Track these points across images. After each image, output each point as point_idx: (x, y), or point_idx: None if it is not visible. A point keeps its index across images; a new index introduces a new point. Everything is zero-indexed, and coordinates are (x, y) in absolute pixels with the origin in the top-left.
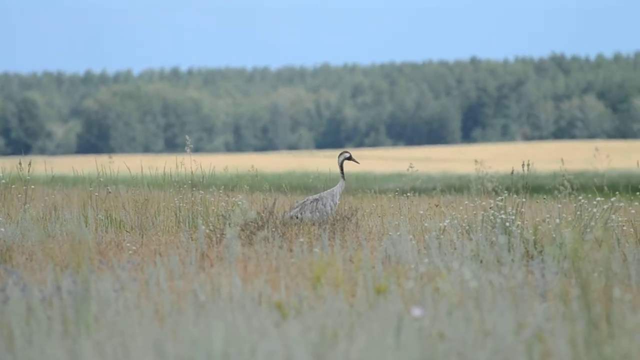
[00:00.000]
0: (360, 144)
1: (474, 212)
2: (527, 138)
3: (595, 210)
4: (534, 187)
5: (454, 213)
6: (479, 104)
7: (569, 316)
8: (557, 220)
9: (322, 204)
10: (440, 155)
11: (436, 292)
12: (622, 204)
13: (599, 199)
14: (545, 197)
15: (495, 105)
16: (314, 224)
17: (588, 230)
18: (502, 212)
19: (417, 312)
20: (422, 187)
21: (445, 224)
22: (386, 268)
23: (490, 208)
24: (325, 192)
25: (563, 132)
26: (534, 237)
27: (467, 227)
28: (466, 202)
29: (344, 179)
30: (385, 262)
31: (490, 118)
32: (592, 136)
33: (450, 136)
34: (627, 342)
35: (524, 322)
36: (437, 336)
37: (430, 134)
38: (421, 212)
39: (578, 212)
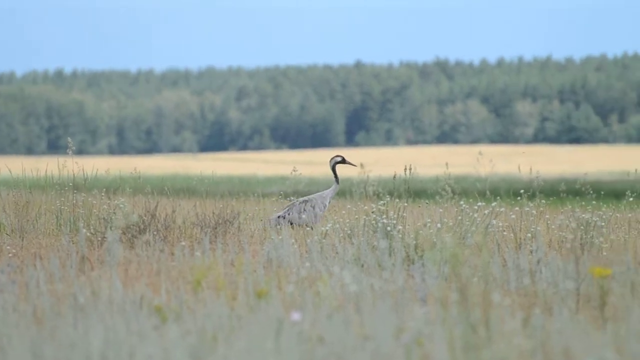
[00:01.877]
0: (244, 147)
1: (356, 216)
2: (411, 142)
3: (476, 215)
4: (416, 191)
5: (336, 217)
6: (363, 107)
7: (448, 320)
8: (439, 225)
9: (311, 206)
10: (324, 158)
11: (317, 296)
12: (502, 209)
13: (480, 203)
14: (427, 201)
15: (379, 109)
16: (301, 225)
17: (469, 235)
18: (384, 216)
19: (296, 316)
20: (305, 190)
21: (327, 228)
22: (267, 272)
23: (372, 212)
24: (317, 194)
25: (446, 136)
26: (415, 242)
27: (349, 232)
28: (348, 206)
29: (337, 183)
30: (267, 266)
31: (374, 122)
32: (475, 141)
33: (334, 140)
34: (505, 347)
35: (404, 326)
36: (316, 340)
37: (314, 137)
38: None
39: (459, 217)
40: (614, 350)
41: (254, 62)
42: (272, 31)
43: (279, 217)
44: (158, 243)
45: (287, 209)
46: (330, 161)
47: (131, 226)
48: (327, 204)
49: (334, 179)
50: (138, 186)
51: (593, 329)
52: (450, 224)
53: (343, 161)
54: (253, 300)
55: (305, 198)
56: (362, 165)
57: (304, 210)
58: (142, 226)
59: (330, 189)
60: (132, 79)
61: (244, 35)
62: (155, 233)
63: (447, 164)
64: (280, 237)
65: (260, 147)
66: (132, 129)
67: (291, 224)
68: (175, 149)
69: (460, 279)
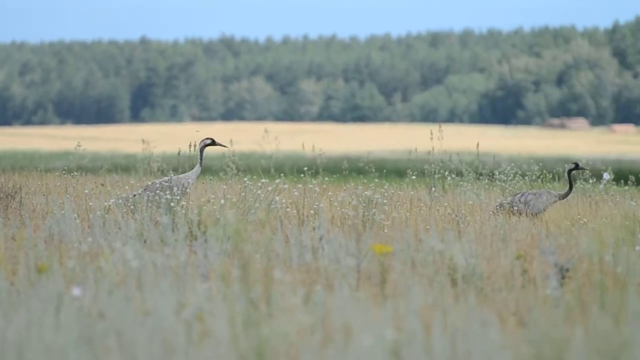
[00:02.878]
0: (27, 122)
1: (140, 191)
2: (196, 119)
3: (259, 191)
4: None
5: (119, 192)
6: (148, 84)
7: (229, 296)
8: (222, 201)
9: (169, 187)
10: (109, 134)
11: (98, 272)
12: (286, 186)
13: (264, 180)
14: (211, 177)
15: (164, 85)
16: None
17: (252, 211)
18: (167, 192)
19: (76, 291)
20: (89, 166)
21: (110, 203)
22: (49, 247)
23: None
24: (182, 175)
25: (232, 113)
26: (198, 218)
27: (132, 207)
28: (132, 182)
29: (201, 164)
30: (49, 241)
31: (160, 98)
32: (260, 118)
33: (119, 115)
34: (285, 323)
35: (185, 301)
36: (97, 315)
37: (99, 113)
38: (87, 191)
39: (243, 194)
40: (393, 327)
41: (38, 37)
42: (56, 5)
43: (134, 195)
44: None
45: (143, 189)
46: (199, 142)
47: None
48: (189, 185)
49: (198, 160)
50: None
51: (373, 305)
52: (234, 200)
53: (213, 143)
54: (34, 275)
55: (165, 178)
56: (231, 143)
57: (161, 189)
58: None
59: (193, 170)
60: None
61: (28, 10)
62: None
63: (231, 140)
64: (62, 212)
65: (44, 122)
66: None
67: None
68: None
69: (242, 255)
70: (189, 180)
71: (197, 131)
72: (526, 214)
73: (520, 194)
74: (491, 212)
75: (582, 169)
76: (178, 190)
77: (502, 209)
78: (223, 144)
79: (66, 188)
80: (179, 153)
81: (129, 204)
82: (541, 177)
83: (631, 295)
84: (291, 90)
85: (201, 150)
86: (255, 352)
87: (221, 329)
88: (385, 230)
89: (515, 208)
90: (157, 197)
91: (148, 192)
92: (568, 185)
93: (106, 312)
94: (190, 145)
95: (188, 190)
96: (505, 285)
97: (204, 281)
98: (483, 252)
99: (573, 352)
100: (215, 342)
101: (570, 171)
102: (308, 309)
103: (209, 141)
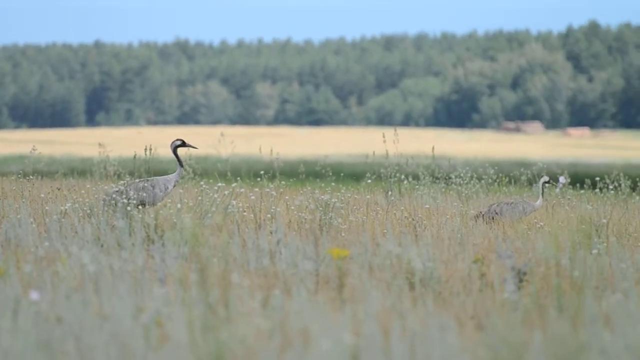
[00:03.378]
0: None
1: (96, 195)
2: (151, 123)
3: (216, 195)
4: (157, 171)
5: (75, 197)
6: (103, 88)
7: (187, 301)
8: (179, 205)
9: (151, 185)
10: (64, 138)
11: (56, 276)
12: (243, 190)
13: (220, 184)
14: None
15: (119, 89)
16: (138, 205)
17: (209, 215)
18: (124, 196)
19: (34, 295)
20: (45, 170)
21: (66, 207)
22: (5, 251)
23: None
24: (162, 177)
25: (187, 117)
26: (155, 222)
27: (88, 211)
28: (88, 186)
29: (181, 166)
30: (5, 245)
31: (115, 102)
32: (216, 122)
33: (75, 119)
34: (244, 327)
35: (143, 306)
36: (54, 320)
37: (54, 116)
38: (43, 195)
39: (199, 197)
40: (351, 332)
41: None
42: (9, 9)
43: (115, 192)
44: None
45: (124, 186)
46: (170, 145)
47: None
48: (171, 187)
49: (177, 163)
50: None
51: (331, 310)
52: (191, 204)
53: (183, 144)
54: None
55: (148, 178)
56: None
57: (142, 188)
58: None
59: (175, 173)
60: None
61: None
62: None
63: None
64: (18, 216)
65: None
66: None
67: (128, 200)
68: None
69: (200, 259)
70: (172, 182)
71: (140, 133)
72: (503, 223)
73: (496, 204)
74: (472, 219)
75: (552, 184)
76: (160, 191)
77: (481, 217)
78: (192, 145)
79: (22, 192)
80: (134, 157)
81: (113, 201)
82: (497, 180)
83: (588, 299)
84: (246, 93)
85: (174, 152)
86: (214, 356)
87: (180, 333)
88: (343, 234)
89: (492, 217)
90: (143, 194)
91: (130, 189)
92: (541, 196)
93: (64, 317)
94: (146, 149)
95: (169, 191)
96: (463, 289)
97: (161, 285)
98: (440, 256)
99: (531, 355)
100: (174, 347)
101: (543, 184)
102: (266, 313)
103: (179, 142)
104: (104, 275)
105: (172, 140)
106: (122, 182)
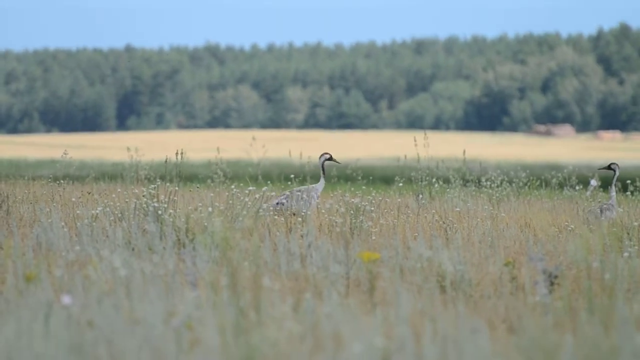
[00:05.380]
0: (13, 131)
1: (127, 200)
2: (182, 127)
3: (247, 199)
4: (188, 175)
5: (106, 200)
6: (134, 92)
7: (218, 304)
8: (210, 209)
9: (307, 195)
10: (95, 142)
11: (87, 280)
12: (273, 193)
13: (251, 187)
14: (198, 185)
15: (150, 93)
16: (294, 214)
17: (240, 219)
18: (155, 200)
19: (66, 299)
20: (76, 174)
21: (97, 211)
22: (37, 255)
23: (143, 196)
24: (312, 186)
25: (218, 121)
26: (186, 226)
27: (119, 215)
28: (119, 190)
29: (324, 177)
30: (37, 249)
31: (145, 106)
32: (246, 126)
33: (105, 124)
34: (275, 331)
35: (174, 310)
36: (86, 324)
37: (85, 121)
38: (74, 199)
39: (230, 201)
40: (382, 335)
41: (23, 45)
42: (40, 13)
43: (277, 203)
44: None
45: (284, 196)
46: (319, 158)
47: None
48: (317, 195)
49: (321, 174)
50: None
51: (362, 313)
52: (222, 207)
53: (330, 159)
54: (22, 283)
55: (301, 188)
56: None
57: (301, 198)
58: None
59: (319, 183)
60: None
61: (10, 18)
62: None
63: (218, 148)
64: (49, 220)
65: (29, 131)
66: None
67: (286, 210)
68: None
69: (230, 263)
70: (319, 191)
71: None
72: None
73: (599, 207)
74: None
75: (335, 161)
76: (314, 200)
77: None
78: (338, 161)
79: (53, 196)
80: (166, 161)
81: (276, 212)
82: (528, 184)
83: (619, 301)
84: (277, 97)
85: (322, 165)
86: None
87: (211, 337)
88: (373, 238)
89: (603, 218)
90: (300, 202)
91: (291, 200)
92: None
93: (95, 321)
94: (177, 153)
95: (316, 201)
96: (494, 292)
97: (192, 289)
98: (471, 259)
99: (563, 358)
100: (205, 351)
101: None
102: (297, 317)
103: (327, 156)
104: (135, 279)
105: (321, 153)
106: (285, 192)
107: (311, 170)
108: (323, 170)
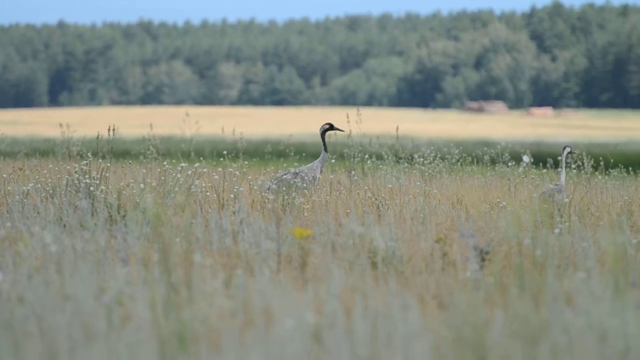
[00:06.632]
0: None
1: (59, 176)
2: (115, 103)
3: (179, 175)
4: (120, 152)
5: (38, 177)
6: (66, 68)
7: (149, 280)
8: (142, 185)
9: (300, 178)
10: (27, 118)
11: (17, 256)
12: (206, 170)
13: (183, 164)
14: (131, 161)
15: (82, 69)
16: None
17: (172, 195)
18: (87, 176)
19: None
20: (7, 150)
21: (29, 187)
22: None
23: (74, 172)
24: (306, 167)
25: (151, 97)
26: (118, 202)
27: (51, 191)
28: (51, 166)
29: (326, 150)
30: None
31: (78, 82)
32: (179, 102)
33: (38, 100)
34: (206, 307)
35: (105, 286)
36: (16, 300)
37: (17, 97)
38: (5, 175)
39: (162, 177)
40: (313, 311)
41: None
42: None
43: (268, 187)
44: None
45: (276, 180)
46: (319, 129)
47: None
48: (318, 173)
49: (322, 147)
50: None
51: (294, 289)
52: (154, 184)
53: (331, 128)
54: None
55: (295, 170)
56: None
57: (294, 184)
58: None
59: (319, 159)
60: None
61: None
62: None
63: (151, 124)
64: None
65: None
66: None
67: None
68: None
69: (162, 239)
70: (318, 170)
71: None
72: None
73: (548, 190)
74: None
75: (337, 129)
76: (314, 178)
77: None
78: (341, 128)
79: None
80: (98, 137)
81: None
82: (460, 160)
83: (550, 278)
84: (210, 73)
85: (322, 136)
86: (177, 335)
87: (142, 313)
88: (305, 214)
89: (551, 199)
90: (297, 182)
91: (282, 184)
92: (563, 170)
93: (26, 297)
94: (109, 129)
95: (317, 180)
96: (425, 268)
97: (124, 265)
98: (403, 236)
99: (493, 334)
100: (136, 326)
101: (567, 154)
102: (229, 293)
103: (327, 126)
104: (66, 255)
105: (323, 124)
106: (274, 176)
107: (244, 147)
108: (324, 141)
